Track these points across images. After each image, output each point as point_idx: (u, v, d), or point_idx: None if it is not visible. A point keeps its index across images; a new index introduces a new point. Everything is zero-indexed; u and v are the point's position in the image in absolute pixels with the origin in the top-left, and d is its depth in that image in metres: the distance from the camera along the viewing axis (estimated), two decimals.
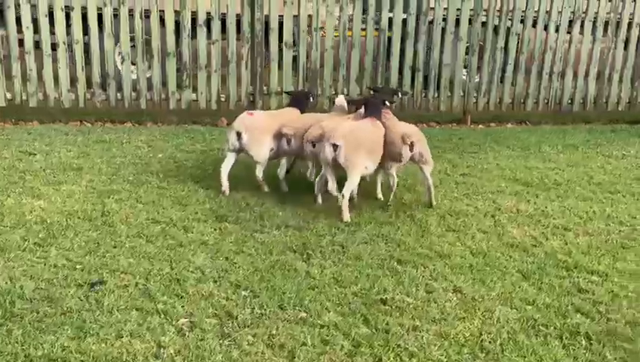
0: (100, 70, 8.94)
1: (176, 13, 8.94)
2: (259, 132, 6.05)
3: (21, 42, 8.68)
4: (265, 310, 3.78)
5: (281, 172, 6.27)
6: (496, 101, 10.17)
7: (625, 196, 6.38)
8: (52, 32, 8.69)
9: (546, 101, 10.31)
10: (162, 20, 8.87)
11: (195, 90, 9.27)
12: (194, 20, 9.02)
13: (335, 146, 5.37)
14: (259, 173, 6.09)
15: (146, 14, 8.85)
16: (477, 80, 10.04)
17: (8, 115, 8.83)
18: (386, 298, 4.00)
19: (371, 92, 7.44)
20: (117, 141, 7.73)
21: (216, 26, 9.08)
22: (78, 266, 4.24)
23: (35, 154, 6.95)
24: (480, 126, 10.11)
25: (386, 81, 9.71)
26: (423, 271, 4.48)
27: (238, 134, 5.97)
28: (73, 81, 8.87)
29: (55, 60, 8.73)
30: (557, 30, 9.97)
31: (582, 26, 10.07)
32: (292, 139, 6.00)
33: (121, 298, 3.82)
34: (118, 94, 9.03)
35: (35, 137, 7.70)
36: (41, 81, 8.76)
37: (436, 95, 9.97)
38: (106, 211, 5.33)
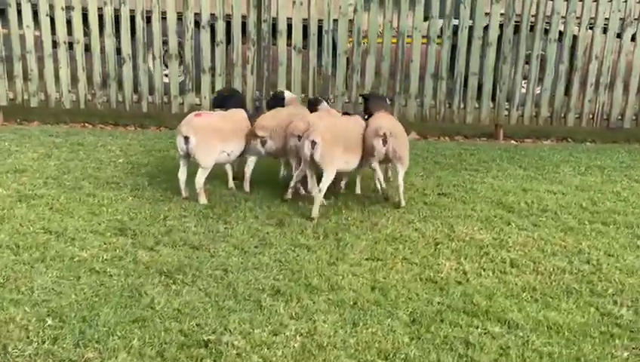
0: (101, 70, 8.72)
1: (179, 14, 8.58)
2: (208, 135, 5.57)
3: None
4: (54, 346, 3.24)
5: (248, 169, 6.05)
6: (531, 114, 9.08)
7: (619, 228, 5.33)
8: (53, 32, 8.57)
9: (590, 116, 9.10)
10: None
11: (198, 93, 8.87)
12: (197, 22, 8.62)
13: (313, 143, 5.28)
14: (200, 179, 5.60)
15: (148, 15, 8.54)
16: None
17: (15, 115, 8.78)
18: (211, 339, 3.35)
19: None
20: (93, 144, 7.46)
21: (220, 27, 8.65)
22: None
23: None
24: (512, 141, 9.06)
25: (406, 90, 8.90)
26: (292, 306, 3.80)
27: (186, 138, 5.50)
28: (75, 81, 8.69)
29: (56, 60, 8.58)
30: (604, 33, 8.79)
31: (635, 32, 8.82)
32: (267, 141, 5.77)
33: None
34: (119, 96, 8.78)
35: (15, 138, 7.57)
36: (42, 81, 8.66)
37: (462, 106, 9.02)
38: (7, 217, 5.00)
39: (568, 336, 3.56)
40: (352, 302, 3.87)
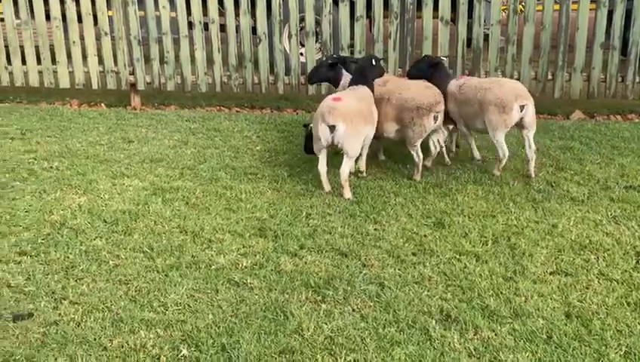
0: (237, 51, 8.29)
1: None
2: (355, 121, 4.95)
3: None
4: None
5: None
6: None
7: None
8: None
9: None
10: None
11: None
12: None
13: (522, 107, 5.18)
14: (346, 169, 4.99)
15: None
16: None
17: (152, 99, 8.62)
18: None
19: None
20: (230, 130, 7.05)
21: (360, 0, 7.95)
22: (26, 288, 3.54)
23: (133, 142, 6.52)
24: None
25: (570, 63, 7.78)
26: (469, 338, 3.10)
27: (331, 127, 4.88)
28: (211, 63, 8.34)
29: (192, 42, 8.26)
30: None
31: None
32: (438, 116, 5.29)
33: (22, 345, 3.02)
34: (255, 78, 8.33)
35: (152, 124, 7.32)
36: (178, 64, 8.38)
37: (637, 79, 7.79)
38: (141, 214, 4.62)
39: None
40: (545, 335, 3.08)
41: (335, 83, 5.98)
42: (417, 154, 5.30)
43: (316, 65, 6.31)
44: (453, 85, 5.64)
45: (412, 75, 5.86)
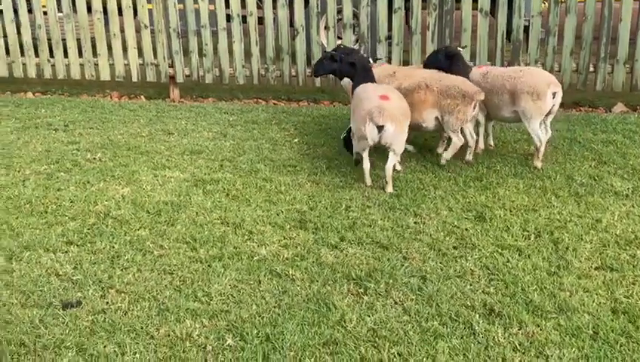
0: (274, 44, 8.33)
1: None
2: (403, 120, 4.97)
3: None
4: None
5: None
6: None
7: None
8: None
9: None
10: None
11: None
12: None
13: (554, 95, 5.25)
14: (391, 165, 4.98)
15: None
16: None
17: (191, 91, 8.71)
18: None
19: None
20: (267, 122, 7.09)
21: None
22: (74, 277, 3.61)
23: (173, 134, 6.60)
24: None
25: (612, 55, 7.62)
26: (513, 333, 3.06)
27: (380, 127, 4.85)
28: (248, 56, 8.39)
29: (230, 34, 8.31)
30: None
31: None
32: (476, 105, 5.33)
33: (72, 332, 3.09)
34: (292, 70, 8.36)
35: (191, 116, 7.39)
36: (216, 56, 8.44)
37: None
38: (183, 205, 4.68)
39: None
40: (591, 331, 3.05)
41: (341, 75, 5.94)
42: (458, 136, 5.28)
43: (320, 58, 6.29)
44: (476, 74, 5.61)
45: (429, 66, 5.81)
